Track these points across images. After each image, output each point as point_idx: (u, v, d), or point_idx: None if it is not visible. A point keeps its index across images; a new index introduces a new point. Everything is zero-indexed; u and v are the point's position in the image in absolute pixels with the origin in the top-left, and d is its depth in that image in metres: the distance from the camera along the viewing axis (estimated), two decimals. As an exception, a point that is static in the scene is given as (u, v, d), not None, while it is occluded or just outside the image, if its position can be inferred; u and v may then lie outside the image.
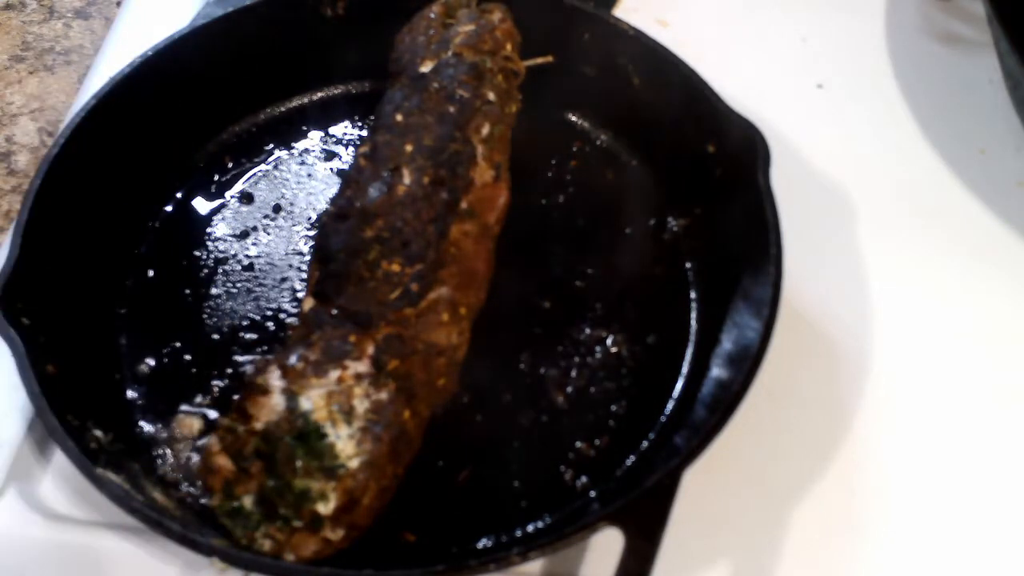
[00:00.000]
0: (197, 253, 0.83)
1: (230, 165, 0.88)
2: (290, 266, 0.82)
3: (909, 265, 0.84)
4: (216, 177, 0.87)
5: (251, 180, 0.87)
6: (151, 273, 0.82)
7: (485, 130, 0.77)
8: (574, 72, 0.87)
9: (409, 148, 0.75)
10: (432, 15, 0.83)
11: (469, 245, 0.73)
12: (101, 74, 0.90)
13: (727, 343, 0.73)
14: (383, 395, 0.65)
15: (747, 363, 0.68)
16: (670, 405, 0.75)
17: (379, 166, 0.75)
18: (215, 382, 0.76)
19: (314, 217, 0.85)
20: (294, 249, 0.83)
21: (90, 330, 0.77)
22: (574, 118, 0.90)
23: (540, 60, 0.85)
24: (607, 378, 0.76)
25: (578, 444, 0.74)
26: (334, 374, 0.66)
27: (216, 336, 0.78)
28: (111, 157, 0.81)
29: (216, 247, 0.83)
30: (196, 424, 0.74)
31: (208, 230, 0.84)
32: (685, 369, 0.77)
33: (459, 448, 0.73)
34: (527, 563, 0.64)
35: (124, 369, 0.77)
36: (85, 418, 0.69)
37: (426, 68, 0.80)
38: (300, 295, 0.80)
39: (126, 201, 0.83)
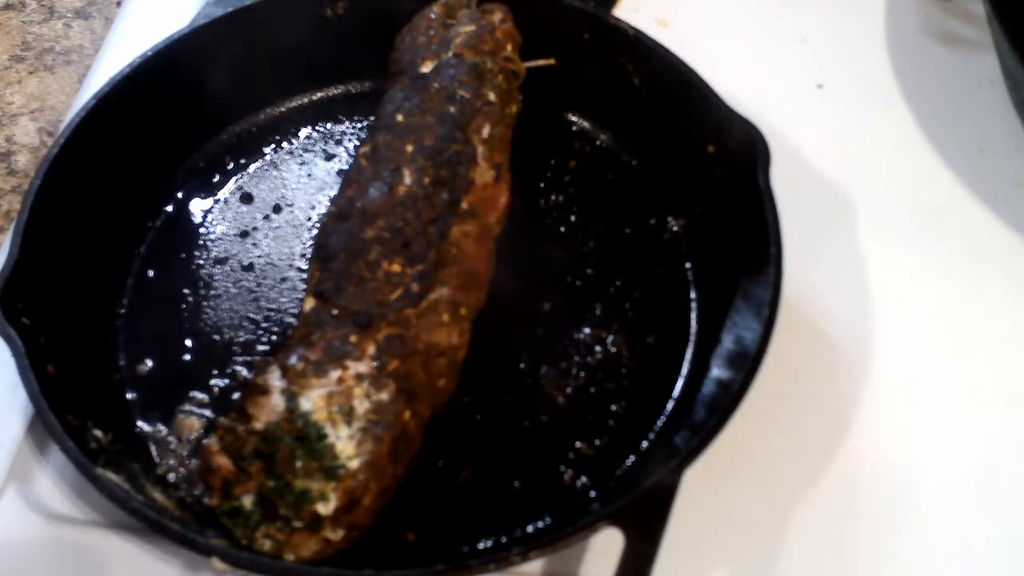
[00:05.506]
0: (197, 253, 0.83)
1: (230, 165, 0.88)
2: (290, 266, 0.82)
3: (909, 265, 0.84)
4: (216, 177, 0.87)
5: (251, 180, 0.87)
6: (151, 273, 0.82)
7: (486, 131, 0.77)
8: (574, 72, 0.87)
9: (410, 148, 0.75)
10: (432, 15, 0.83)
11: (470, 245, 0.73)
12: (101, 74, 0.91)
13: (727, 343, 0.73)
14: (383, 395, 0.65)
15: (747, 363, 0.68)
16: (670, 405, 0.75)
17: (380, 166, 0.75)
18: (215, 382, 0.76)
19: (314, 217, 0.85)
20: (294, 249, 0.83)
21: (90, 330, 0.77)
22: (574, 118, 0.90)
23: (541, 62, 0.85)
24: (607, 378, 0.76)
25: (578, 444, 0.74)
26: (334, 374, 0.66)
27: (216, 336, 0.78)
28: (111, 157, 0.81)
29: (216, 247, 0.83)
30: (196, 424, 0.74)
31: (208, 230, 0.84)
32: (685, 369, 0.77)
33: (459, 448, 0.73)
34: (527, 563, 0.64)
35: (124, 369, 0.77)
36: (85, 418, 0.70)
37: (427, 68, 0.80)
38: (300, 295, 0.80)
39: (126, 201, 0.83)
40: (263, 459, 0.64)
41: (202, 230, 0.84)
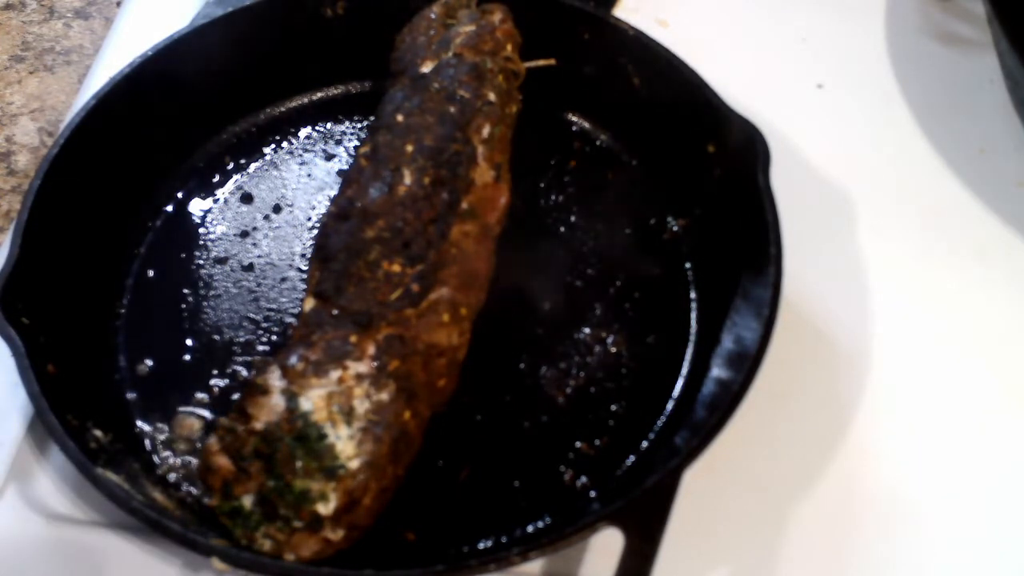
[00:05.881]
0: (197, 253, 0.83)
1: (230, 165, 0.88)
2: (290, 266, 0.82)
3: (909, 265, 0.84)
4: (216, 177, 0.87)
5: (251, 180, 0.87)
6: (151, 273, 0.82)
7: (486, 130, 0.77)
8: (574, 72, 0.87)
9: (410, 148, 0.75)
10: (433, 15, 0.83)
11: (470, 245, 0.73)
12: (101, 74, 0.91)
13: (727, 343, 0.73)
14: (384, 395, 0.65)
15: (747, 363, 0.68)
16: (670, 405, 0.75)
17: (380, 166, 0.75)
18: (215, 382, 0.76)
19: (314, 217, 0.85)
20: (294, 249, 0.83)
21: (90, 330, 0.77)
22: (574, 118, 0.90)
23: (542, 62, 0.85)
24: (607, 378, 0.76)
25: (578, 444, 0.74)
26: (334, 374, 0.66)
27: (216, 336, 0.78)
28: (111, 157, 0.81)
29: (216, 247, 0.83)
30: (196, 424, 0.74)
31: (208, 230, 0.84)
32: (685, 369, 0.77)
33: (459, 448, 0.73)
34: (527, 563, 0.64)
35: (124, 369, 0.77)
36: (85, 418, 0.70)
37: (427, 68, 0.80)
38: (300, 295, 0.80)
39: (126, 201, 0.83)
40: (263, 459, 0.64)
41: (202, 230, 0.84)
